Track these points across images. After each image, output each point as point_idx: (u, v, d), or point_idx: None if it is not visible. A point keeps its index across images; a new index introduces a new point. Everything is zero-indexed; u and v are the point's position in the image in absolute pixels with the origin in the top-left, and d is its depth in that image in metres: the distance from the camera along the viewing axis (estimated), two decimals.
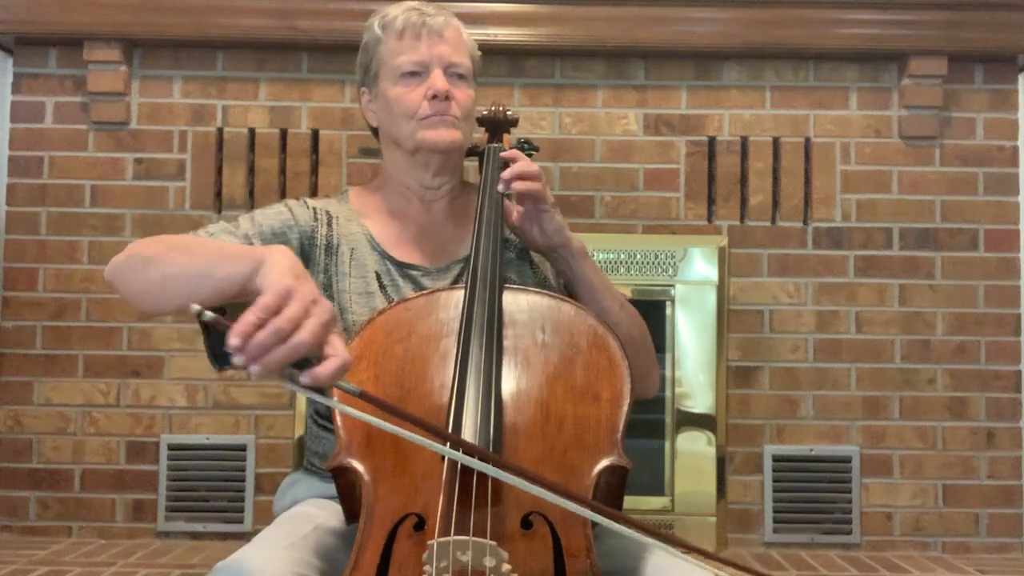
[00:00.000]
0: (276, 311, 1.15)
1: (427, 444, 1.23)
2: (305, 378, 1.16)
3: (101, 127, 3.28)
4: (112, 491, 3.22)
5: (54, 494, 3.21)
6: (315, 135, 3.29)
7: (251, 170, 3.29)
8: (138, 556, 2.98)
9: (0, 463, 3.21)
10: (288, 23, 3.21)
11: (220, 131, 3.29)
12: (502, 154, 1.75)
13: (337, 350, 1.18)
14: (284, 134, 3.29)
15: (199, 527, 3.20)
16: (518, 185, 1.67)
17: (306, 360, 1.16)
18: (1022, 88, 3.32)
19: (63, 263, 3.24)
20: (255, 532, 1.59)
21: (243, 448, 3.21)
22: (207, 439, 3.22)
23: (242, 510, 3.20)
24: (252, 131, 3.29)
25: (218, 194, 3.28)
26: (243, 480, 3.21)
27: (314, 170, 3.29)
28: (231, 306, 1.34)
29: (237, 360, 1.13)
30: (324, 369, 1.16)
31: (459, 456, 1.24)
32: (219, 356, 1.13)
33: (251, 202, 3.27)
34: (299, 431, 3.18)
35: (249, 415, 3.23)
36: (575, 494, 1.26)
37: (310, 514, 1.59)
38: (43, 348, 3.23)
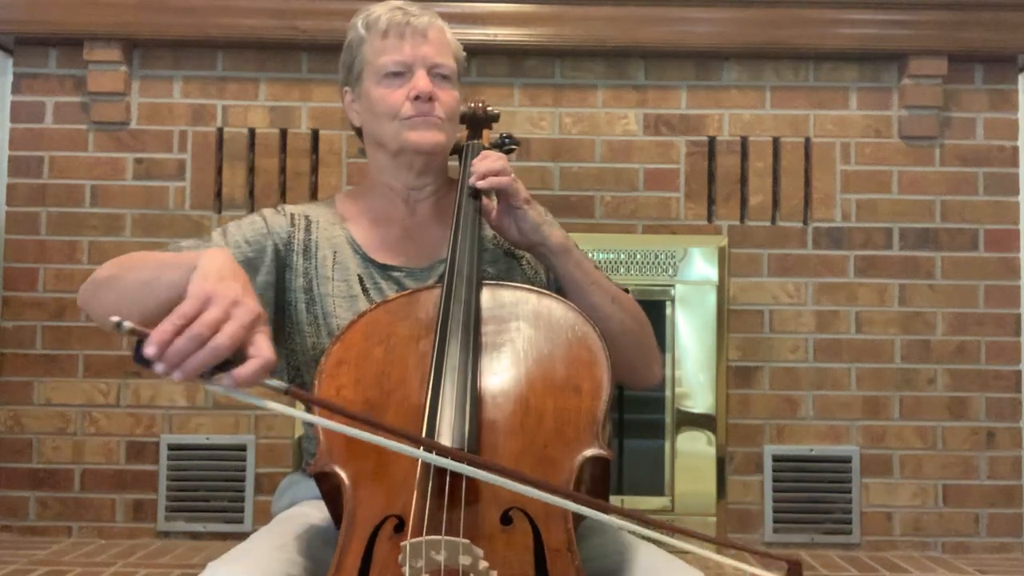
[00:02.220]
0: (194, 316, 1.15)
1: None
2: (227, 380, 1.16)
3: (101, 127, 3.28)
4: (112, 491, 3.22)
5: (54, 494, 3.21)
6: (315, 135, 3.30)
7: (251, 170, 3.30)
8: (138, 556, 2.98)
9: (0, 463, 3.22)
10: (288, 23, 3.21)
11: (220, 131, 3.30)
12: (473, 161, 1.74)
13: (260, 350, 1.18)
14: (284, 134, 3.30)
15: (199, 527, 3.20)
16: (483, 183, 1.66)
17: (228, 363, 1.16)
18: (1022, 88, 3.32)
19: (63, 263, 3.25)
20: (255, 532, 1.59)
21: (243, 448, 3.22)
22: (207, 439, 3.23)
23: (242, 510, 3.21)
24: (252, 131, 3.30)
25: (218, 194, 3.28)
26: (243, 480, 3.22)
27: (314, 170, 3.29)
28: None
29: (158, 368, 1.14)
30: (244, 370, 1.16)
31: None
32: (143, 362, 1.14)
33: (251, 202, 3.27)
34: (298, 431, 3.18)
35: (249, 415, 3.23)
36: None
37: (306, 515, 1.59)
38: (43, 348, 3.24)
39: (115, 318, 1.12)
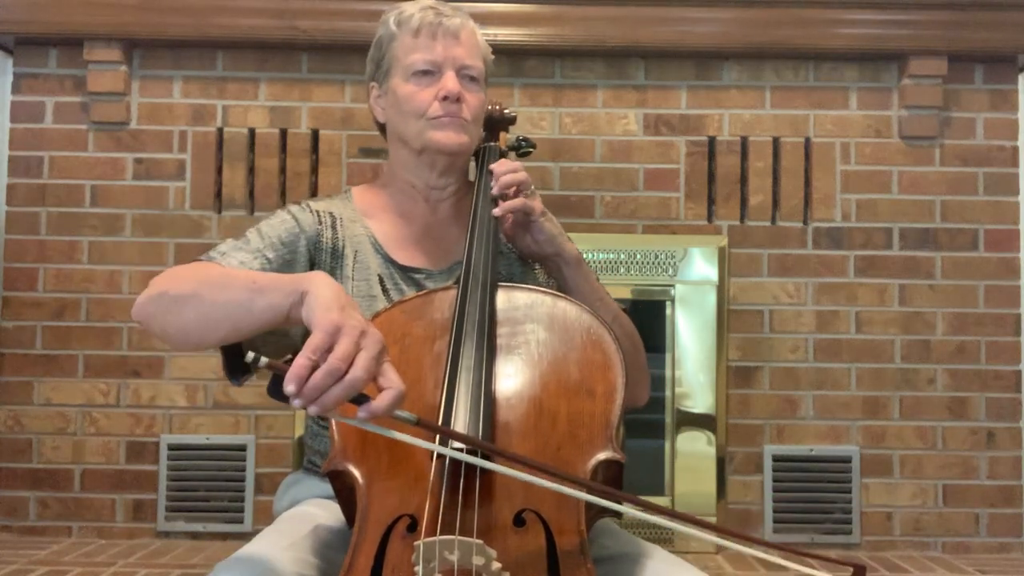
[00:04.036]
0: (327, 350, 1.16)
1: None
2: (362, 413, 1.17)
3: (101, 127, 3.28)
4: (112, 491, 3.22)
5: (54, 494, 3.21)
6: (315, 135, 3.29)
7: (251, 170, 3.29)
8: (138, 556, 2.98)
9: (0, 463, 3.21)
10: (288, 23, 3.21)
11: (220, 131, 3.29)
12: (491, 165, 1.76)
13: (391, 381, 1.20)
14: (284, 134, 3.29)
15: (199, 527, 3.20)
16: (497, 211, 1.70)
17: (361, 394, 1.17)
18: (1022, 88, 3.32)
19: (63, 263, 3.24)
20: (255, 532, 1.59)
21: (243, 448, 3.22)
22: (207, 439, 3.22)
23: (242, 510, 3.20)
24: (252, 131, 3.29)
25: (218, 194, 3.28)
26: (243, 480, 3.21)
27: (314, 170, 3.29)
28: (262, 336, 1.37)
29: (296, 403, 1.15)
30: (380, 403, 1.17)
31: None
32: (279, 397, 1.16)
33: (251, 202, 3.26)
34: (299, 431, 3.18)
35: (249, 415, 3.23)
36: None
37: (310, 514, 1.59)
38: (43, 348, 3.23)
39: (252, 355, 1.17)
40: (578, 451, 1.36)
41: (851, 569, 1.26)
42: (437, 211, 1.82)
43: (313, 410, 1.15)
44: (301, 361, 1.15)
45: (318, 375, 1.14)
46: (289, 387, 1.14)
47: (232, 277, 1.48)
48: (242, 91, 3.30)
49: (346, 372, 1.16)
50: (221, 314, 1.40)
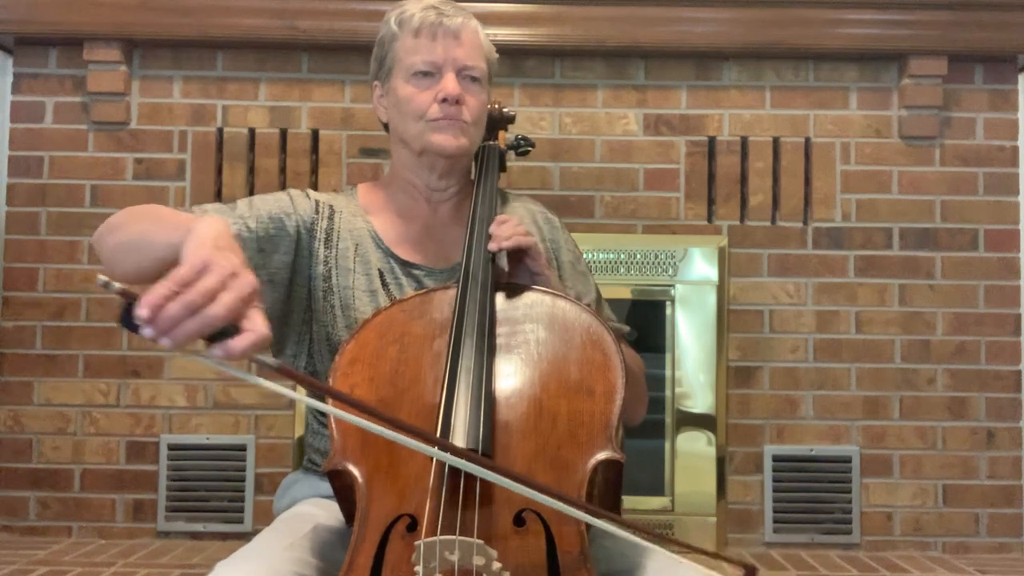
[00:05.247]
0: (191, 283, 1.10)
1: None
2: (218, 351, 1.10)
3: (101, 127, 3.28)
4: (112, 491, 3.22)
5: (54, 494, 3.21)
6: (315, 135, 3.29)
7: (251, 170, 3.29)
8: (138, 556, 2.98)
9: (0, 463, 3.21)
10: (288, 23, 3.21)
11: (220, 131, 3.29)
12: (490, 228, 1.67)
13: (255, 325, 1.12)
14: (284, 134, 3.29)
15: (199, 527, 3.20)
16: (508, 243, 1.61)
17: (222, 334, 1.11)
18: (1022, 88, 3.32)
19: (63, 263, 3.24)
20: (255, 532, 1.59)
21: (243, 448, 3.21)
22: (207, 439, 3.22)
23: (242, 510, 3.20)
24: (252, 131, 3.29)
25: (218, 194, 3.28)
26: (243, 480, 3.21)
27: (314, 170, 3.29)
28: None
29: (146, 332, 1.08)
30: (238, 343, 1.10)
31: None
32: (131, 326, 1.09)
33: None
34: (299, 431, 3.18)
35: (249, 415, 3.23)
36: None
37: (310, 514, 1.59)
38: (43, 348, 3.23)
39: (103, 277, 1.08)
40: (578, 451, 1.36)
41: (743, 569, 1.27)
42: (438, 212, 1.82)
43: (165, 342, 1.08)
44: (160, 289, 1.08)
45: (174, 305, 1.07)
46: (142, 311, 1.06)
47: (154, 213, 1.49)
48: (242, 91, 3.30)
49: (204, 307, 1.09)
50: (133, 244, 1.42)
